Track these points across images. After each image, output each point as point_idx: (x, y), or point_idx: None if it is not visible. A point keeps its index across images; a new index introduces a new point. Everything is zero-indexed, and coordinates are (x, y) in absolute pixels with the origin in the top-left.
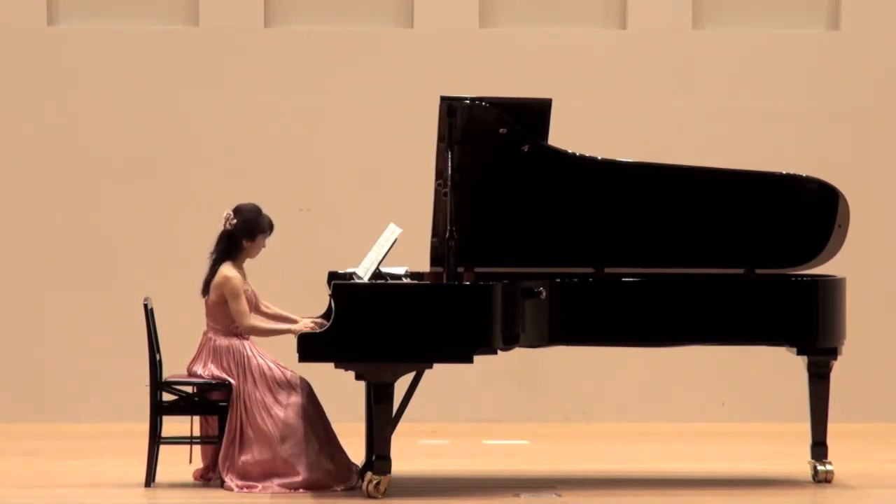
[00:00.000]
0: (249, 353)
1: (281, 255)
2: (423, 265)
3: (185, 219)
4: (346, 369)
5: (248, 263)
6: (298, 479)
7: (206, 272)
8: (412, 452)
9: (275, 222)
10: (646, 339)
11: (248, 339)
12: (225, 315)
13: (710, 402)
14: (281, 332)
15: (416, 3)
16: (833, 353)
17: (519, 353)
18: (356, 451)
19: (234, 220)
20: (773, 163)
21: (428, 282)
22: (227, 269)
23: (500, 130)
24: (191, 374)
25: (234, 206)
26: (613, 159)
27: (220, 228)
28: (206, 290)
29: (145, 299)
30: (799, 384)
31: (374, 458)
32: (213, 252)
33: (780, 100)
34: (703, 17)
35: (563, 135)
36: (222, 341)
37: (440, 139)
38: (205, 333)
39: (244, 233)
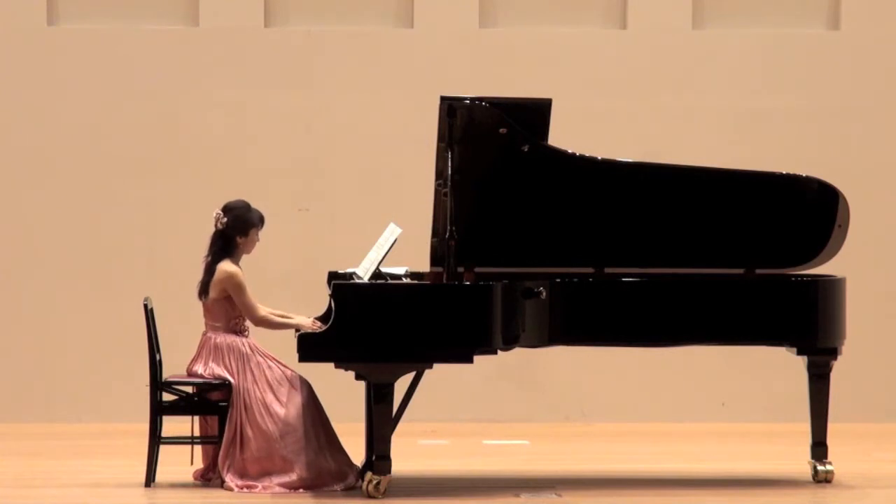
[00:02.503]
0: (249, 351)
1: (281, 255)
2: (423, 265)
3: (184, 219)
4: (346, 369)
5: (246, 262)
6: (298, 477)
7: (203, 274)
8: (412, 452)
9: (274, 222)
10: (646, 339)
11: (247, 336)
12: (225, 312)
13: (710, 402)
14: (291, 326)
15: (416, 3)
16: (833, 353)
17: (519, 353)
18: (356, 451)
19: (225, 219)
20: (773, 163)
21: (428, 282)
22: (227, 265)
23: (500, 130)
24: (191, 374)
25: (221, 205)
26: (613, 159)
27: (213, 229)
28: (203, 293)
29: (145, 299)
30: (799, 384)
31: (374, 458)
32: (208, 253)
33: (780, 100)
34: (703, 17)
35: (564, 135)
36: (222, 339)
37: (440, 139)
38: (204, 334)
39: (237, 230)
